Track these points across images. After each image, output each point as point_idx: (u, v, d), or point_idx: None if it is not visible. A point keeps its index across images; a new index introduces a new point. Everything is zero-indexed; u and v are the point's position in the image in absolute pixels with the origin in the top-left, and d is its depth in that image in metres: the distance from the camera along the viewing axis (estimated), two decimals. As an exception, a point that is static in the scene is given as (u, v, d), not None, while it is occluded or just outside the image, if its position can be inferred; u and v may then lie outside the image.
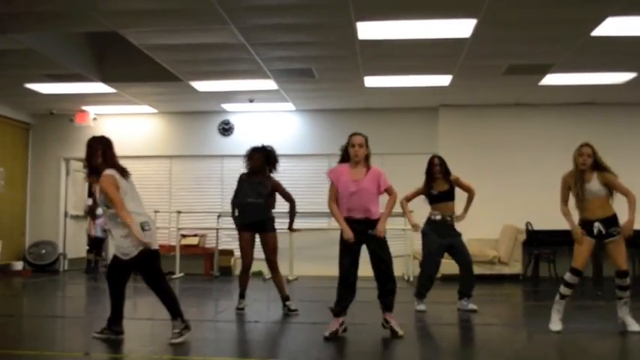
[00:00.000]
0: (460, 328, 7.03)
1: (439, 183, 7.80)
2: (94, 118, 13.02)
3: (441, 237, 7.67)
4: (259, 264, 12.51)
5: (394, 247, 11.87)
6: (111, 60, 9.60)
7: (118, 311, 5.83)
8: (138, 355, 5.47)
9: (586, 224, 6.29)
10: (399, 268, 11.86)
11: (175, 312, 5.67)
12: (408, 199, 7.96)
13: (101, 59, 9.82)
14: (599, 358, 5.38)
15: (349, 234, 5.99)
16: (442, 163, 7.83)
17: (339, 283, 6.18)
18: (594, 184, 6.27)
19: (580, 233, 6.25)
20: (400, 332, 6.01)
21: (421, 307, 7.68)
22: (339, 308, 6.14)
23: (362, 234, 6.05)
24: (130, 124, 13.23)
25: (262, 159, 7.65)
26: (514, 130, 12.21)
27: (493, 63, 9.32)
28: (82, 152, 5.91)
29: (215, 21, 7.30)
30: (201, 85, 10.64)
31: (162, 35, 7.97)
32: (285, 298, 7.65)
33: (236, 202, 7.68)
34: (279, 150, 12.75)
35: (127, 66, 9.54)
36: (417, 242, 11.72)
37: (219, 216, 12.78)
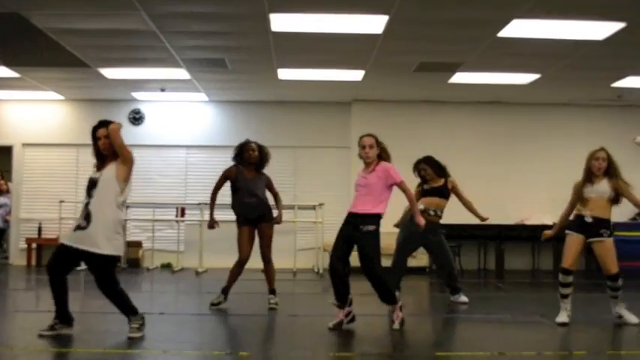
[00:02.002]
0: (369, 318, 7.11)
1: (432, 182, 7.82)
2: (-4, 104, 12.50)
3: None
4: (169, 256, 12.44)
5: (305, 239, 12.17)
6: (13, 43, 9.15)
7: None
8: (36, 348, 5.29)
9: (579, 219, 6.37)
10: (309, 261, 12.10)
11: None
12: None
13: (2, 42, 9.36)
14: (494, 343, 5.58)
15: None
16: (429, 165, 7.83)
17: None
18: (602, 186, 6.34)
19: (548, 234, 6.67)
20: (395, 325, 6.07)
21: (463, 298, 7.74)
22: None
23: (354, 228, 6.08)
24: (36, 110, 12.74)
25: (258, 150, 7.37)
26: (424, 126, 12.48)
27: (404, 60, 9.49)
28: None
29: (124, 6, 7.10)
30: (110, 72, 10.34)
31: (69, 19, 7.69)
32: (270, 291, 7.34)
33: (237, 199, 7.33)
34: (192, 141, 12.81)
35: (31, 50, 9.12)
36: (327, 235, 11.90)
37: (127, 207, 12.48)
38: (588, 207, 6.34)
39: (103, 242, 5.43)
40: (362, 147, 6.22)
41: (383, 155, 6.28)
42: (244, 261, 7.24)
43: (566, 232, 6.43)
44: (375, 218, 6.08)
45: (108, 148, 5.62)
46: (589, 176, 6.39)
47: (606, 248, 6.33)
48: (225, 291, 7.27)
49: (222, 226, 7.62)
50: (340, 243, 6.16)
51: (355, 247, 6.13)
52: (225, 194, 7.57)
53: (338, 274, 6.12)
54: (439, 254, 7.89)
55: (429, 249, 8.09)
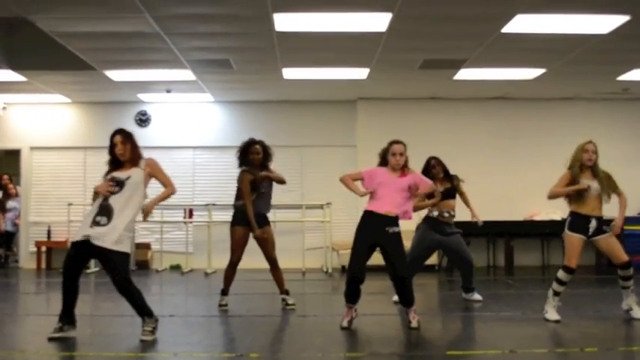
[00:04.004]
0: (380, 317, 7.12)
1: (439, 183, 7.69)
2: (4, 107, 12.53)
3: (434, 233, 7.68)
4: (178, 257, 12.46)
5: (314, 239, 12.16)
6: (20, 47, 9.18)
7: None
8: (47, 352, 5.30)
9: (582, 220, 6.29)
10: (317, 261, 12.10)
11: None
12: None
13: (9, 46, 9.39)
14: (505, 341, 5.57)
15: (361, 190, 6.14)
16: (440, 163, 7.80)
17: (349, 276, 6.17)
18: (595, 183, 6.29)
19: (583, 185, 6.25)
20: (414, 324, 6.05)
21: (477, 296, 7.82)
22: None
23: (378, 230, 6.02)
24: (43, 113, 12.79)
25: (262, 151, 7.33)
26: (429, 124, 12.45)
27: (409, 57, 9.48)
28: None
29: (129, 9, 7.13)
30: (116, 75, 10.37)
31: (74, 22, 7.72)
32: (283, 292, 7.32)
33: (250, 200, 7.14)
34: (198, 142, 12.82)
35: (37, 53, 9.16)
36: (335, 234, 11.91)
37: (135, 209, 12.51)
38: (589, 205, 6.28)
39: (120, 240, 5.49)
40: (393, 154, 6.24)
41: (405, 162, 6.32)
42: (236, 263, 7.26)
43: (568, 232, 6.34)
44: (397, 220, 6.10)
45: (124, 154, 5.68)
46: (580, 170, 6.32)
47: (611, 241, 6.32)
48: (224, 292, 7.33)
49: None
50: (363, 248, 6.09)
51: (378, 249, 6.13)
52: (229, 194, 7.57)
53: (361, 277, 6.13)
54: (459, 254, 7.87)
55: (447, 249, 8.06)
